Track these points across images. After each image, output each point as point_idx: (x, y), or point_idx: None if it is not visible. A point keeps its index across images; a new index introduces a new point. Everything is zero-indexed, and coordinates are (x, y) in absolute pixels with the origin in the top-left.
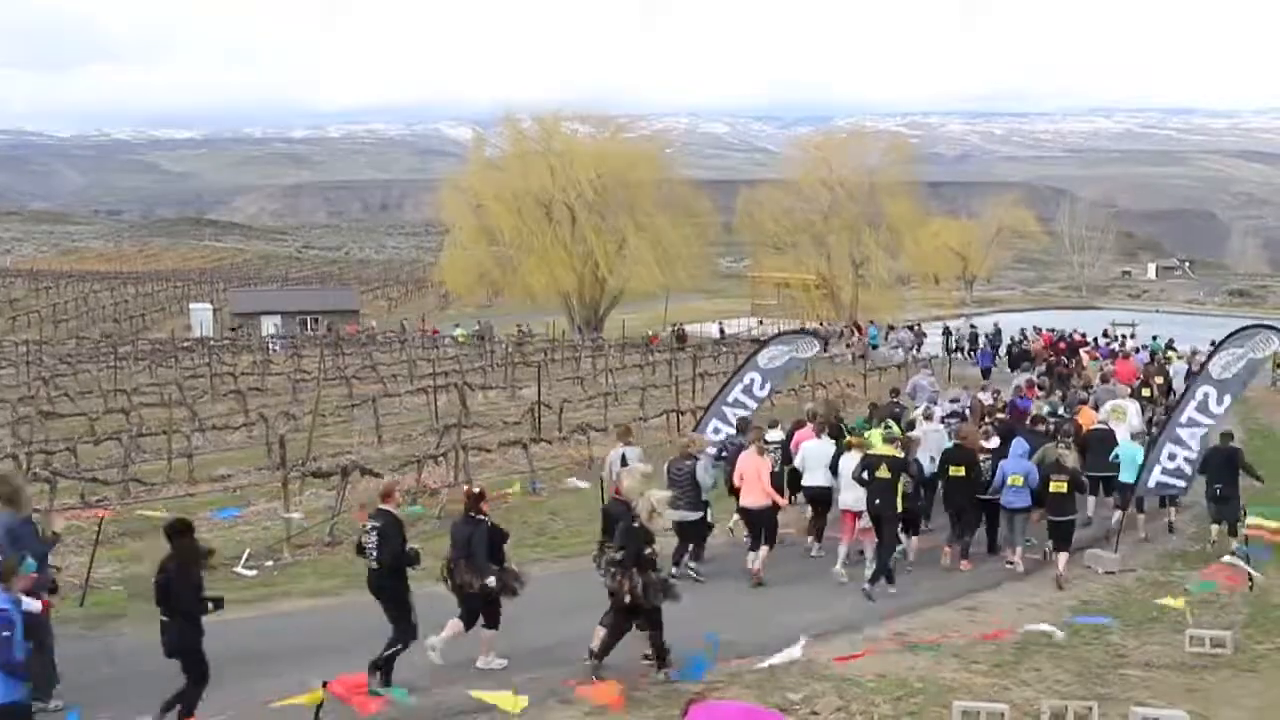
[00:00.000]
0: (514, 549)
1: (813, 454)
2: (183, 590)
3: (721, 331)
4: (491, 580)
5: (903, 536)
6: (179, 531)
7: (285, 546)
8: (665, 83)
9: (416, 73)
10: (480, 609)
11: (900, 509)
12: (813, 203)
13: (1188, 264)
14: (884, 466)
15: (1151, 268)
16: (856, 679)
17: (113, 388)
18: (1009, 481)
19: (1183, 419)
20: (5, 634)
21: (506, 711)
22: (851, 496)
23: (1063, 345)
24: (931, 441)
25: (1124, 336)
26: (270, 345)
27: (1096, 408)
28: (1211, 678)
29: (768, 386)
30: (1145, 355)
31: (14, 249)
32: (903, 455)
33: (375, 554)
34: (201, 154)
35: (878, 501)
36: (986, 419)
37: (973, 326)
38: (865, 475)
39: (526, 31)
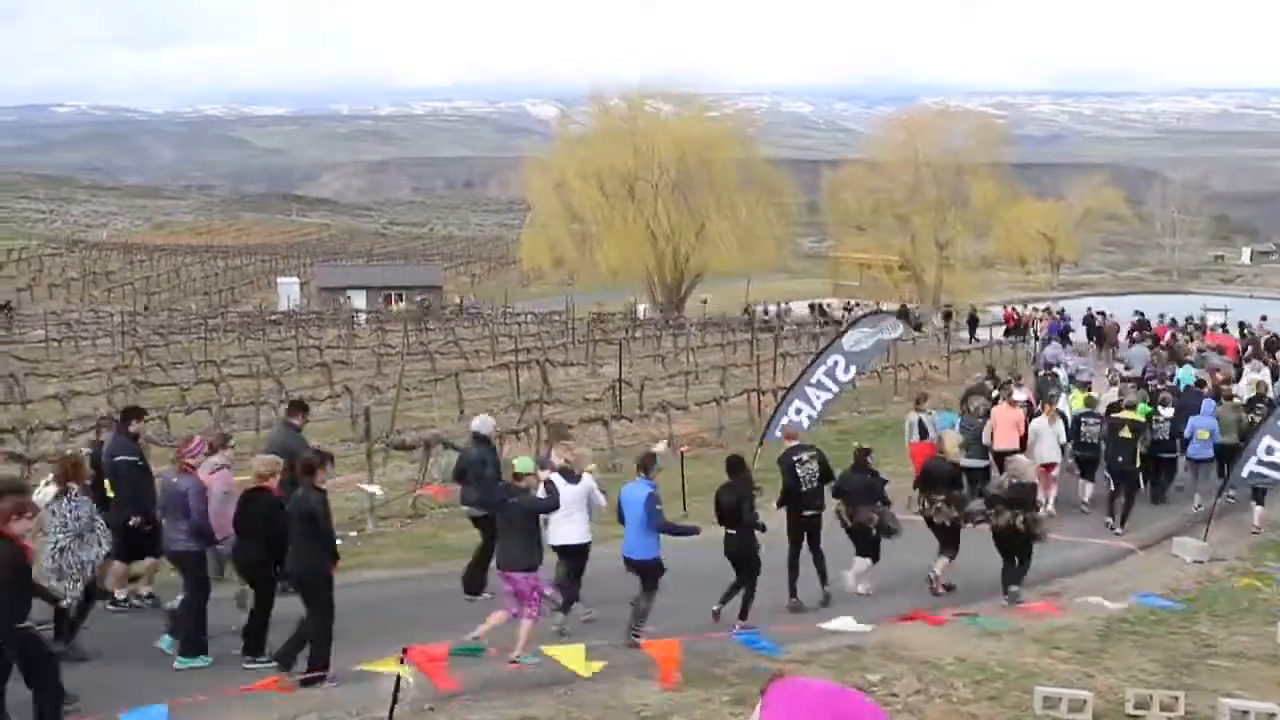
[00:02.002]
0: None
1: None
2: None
3: (819, 309)
4: (875, 517)
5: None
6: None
7: (369, 517)
8: (748, 61)
9: (501, 51)
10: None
11: (1139, 466)
12: (897, 183)
13: None
14: (1127, 428)
15: (1246, 252)
16: (936, 661)
17: (203, 359)
18: (1197, 435)
19: None
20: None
21: (579, 674)
22: (1045, 448)
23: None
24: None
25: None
26: (355, 319)
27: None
28: None
29: (852, 370)
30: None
31: (109, 223)
32: (1143, 420)
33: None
34: (290, 130)
35: (1120, 459)
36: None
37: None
38: (1109, 435)
39: (611, 10)
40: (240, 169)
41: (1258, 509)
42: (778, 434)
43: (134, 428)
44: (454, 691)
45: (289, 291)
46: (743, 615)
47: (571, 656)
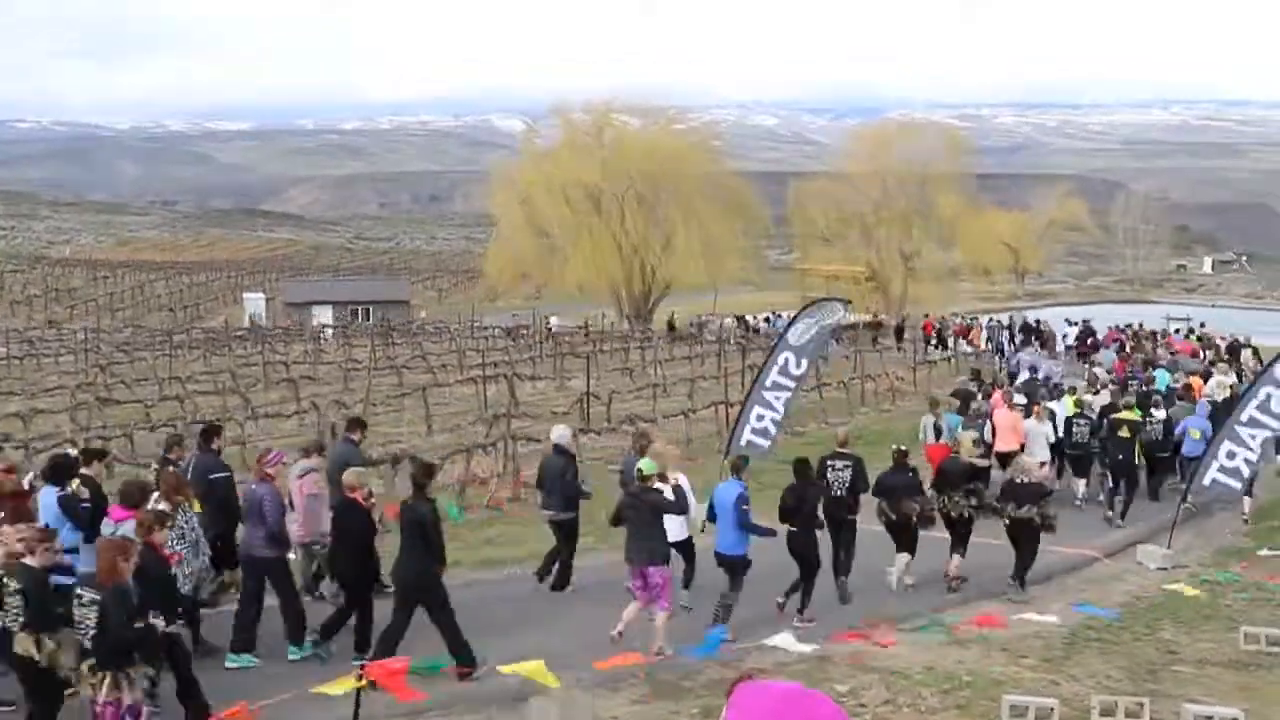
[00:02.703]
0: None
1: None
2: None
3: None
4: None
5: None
6: None
7: None
8: (715, 74)
9: (467, 65)
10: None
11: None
12: (863, 195)
13: (1245, 258)
14: (1125, 428)
15: (1207, 261)
16: (904, 671)
17: (168, 375)
18: (1190, 434)
19: (1243, 418)
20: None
21: (545, 685)
22: (1036, 447)
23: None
24: (1095, 405)
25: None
26: (321, 335)
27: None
28: (1267, 676)
29: (804, 363)
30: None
31: (73, 239)
32: (1140, 419)
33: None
34: (254, 145)
35: (1120, 456)
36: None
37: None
38: (1109, 435)
39: (576, 24)
40: (205, 185)
41: (1247, 499)
42: (741, 443)
43: (215, 444)
44: (419, 707)
45: (255, 307)
46: (802, 609)
47: (534, 670)
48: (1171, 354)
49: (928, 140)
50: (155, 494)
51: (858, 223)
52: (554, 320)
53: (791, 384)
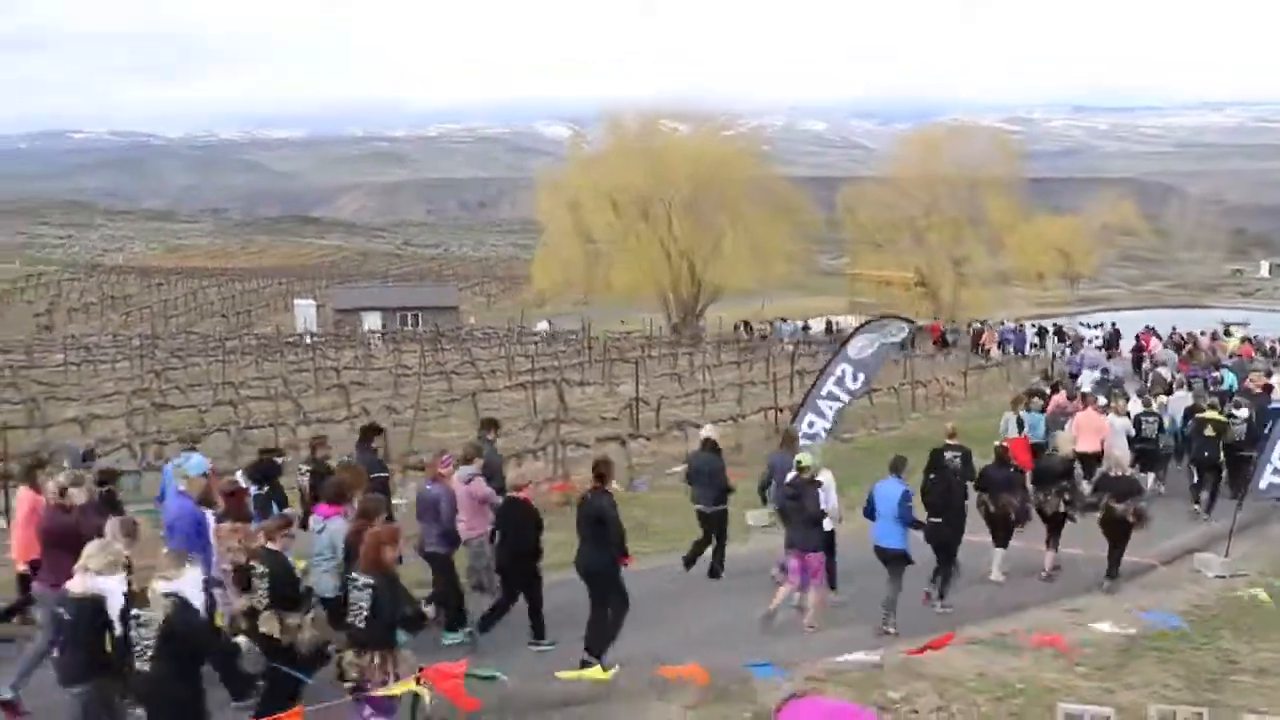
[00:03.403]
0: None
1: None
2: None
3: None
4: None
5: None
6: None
7: None
8: (763, 79)
9: (513, 73)
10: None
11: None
12: (913, 199)
13: None
14: (1210, 426)
15: (1265, 265)
16: (957, 678)
17: (221, 381)
18: None
19: None
20: None
21: (600, 682)
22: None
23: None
24: (1175, 404)
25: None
26: (371, 340)
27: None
28: None
29: (861, 377)
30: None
31: (126, 246)
32: (1226, 419)
33: None
34: (304, 153)
35: (1206, 454)
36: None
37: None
38: (1194, 433)
39: (622, 30)
40: (255, 192)
41: None
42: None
43: (375, 444)
44: (475, 712)
45: (305, 314)
46: (942, 595)
47: (594, 676)
48: (1232, 355)
49: (978, 145)
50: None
51: (907, 228)
52: (542, 325)
53: (846, 397)
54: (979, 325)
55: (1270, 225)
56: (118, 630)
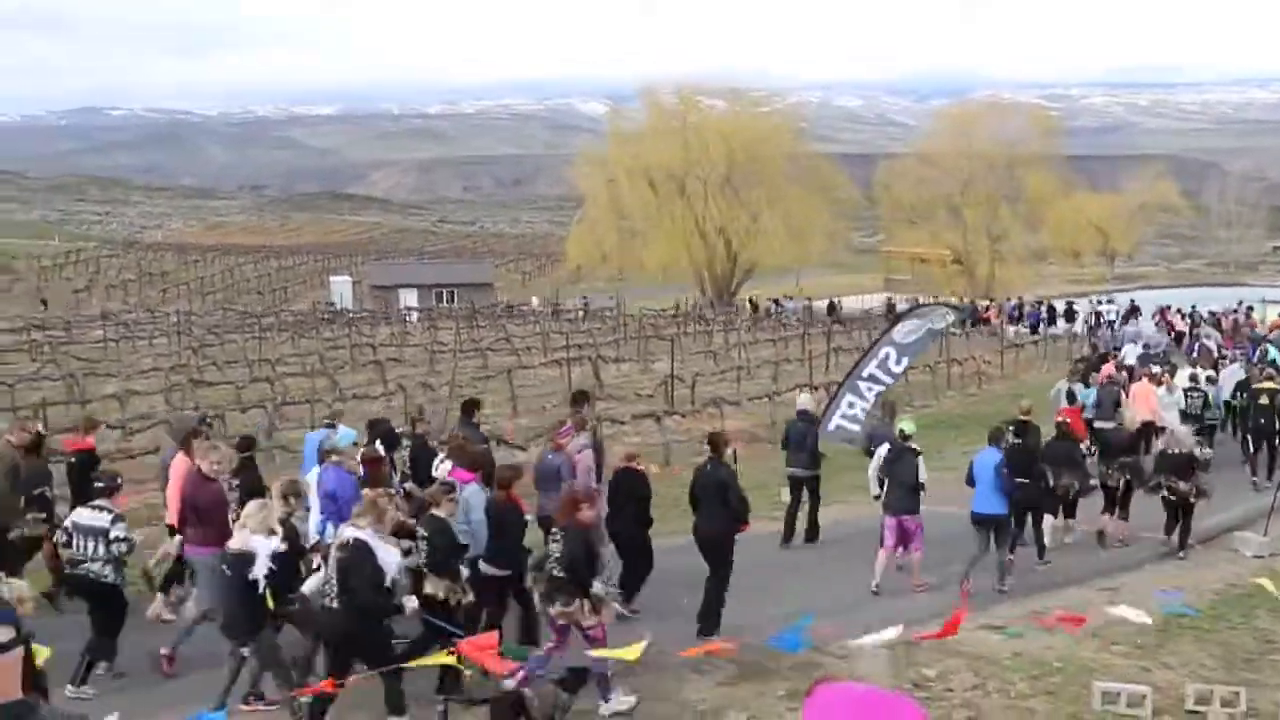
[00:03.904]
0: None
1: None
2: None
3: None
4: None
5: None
6: None
7: None
8: (798, 56)
9: (550, 49)
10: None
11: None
12: (950, 176)
13: None
14: (1265, 396)
15: None
16: (992, 657)
17: (258, 357)
18: None
19: None
20: None
21: (631, 661)
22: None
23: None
24: (1227, 377)
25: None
26: (407, 317)
27: None
28: None
29: (904, 361)
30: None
31: (164, 223)
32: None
33: None
34: (340, 130)
35: (1262, 421)
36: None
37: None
38: (1251, 403)
39: (659, 6)
40: (291, 169)
41: None
42: (831, 428)
43: (475, 417)
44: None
45: (341, 290)
46: (1012, 550)
47: (626, 652)
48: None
49: (1015, 121)
50: (440, 457)
51: (944, 204)
52: (535, 300)
53: (889, 380)
54: (986, 303)
55: None
56: (260, 587)
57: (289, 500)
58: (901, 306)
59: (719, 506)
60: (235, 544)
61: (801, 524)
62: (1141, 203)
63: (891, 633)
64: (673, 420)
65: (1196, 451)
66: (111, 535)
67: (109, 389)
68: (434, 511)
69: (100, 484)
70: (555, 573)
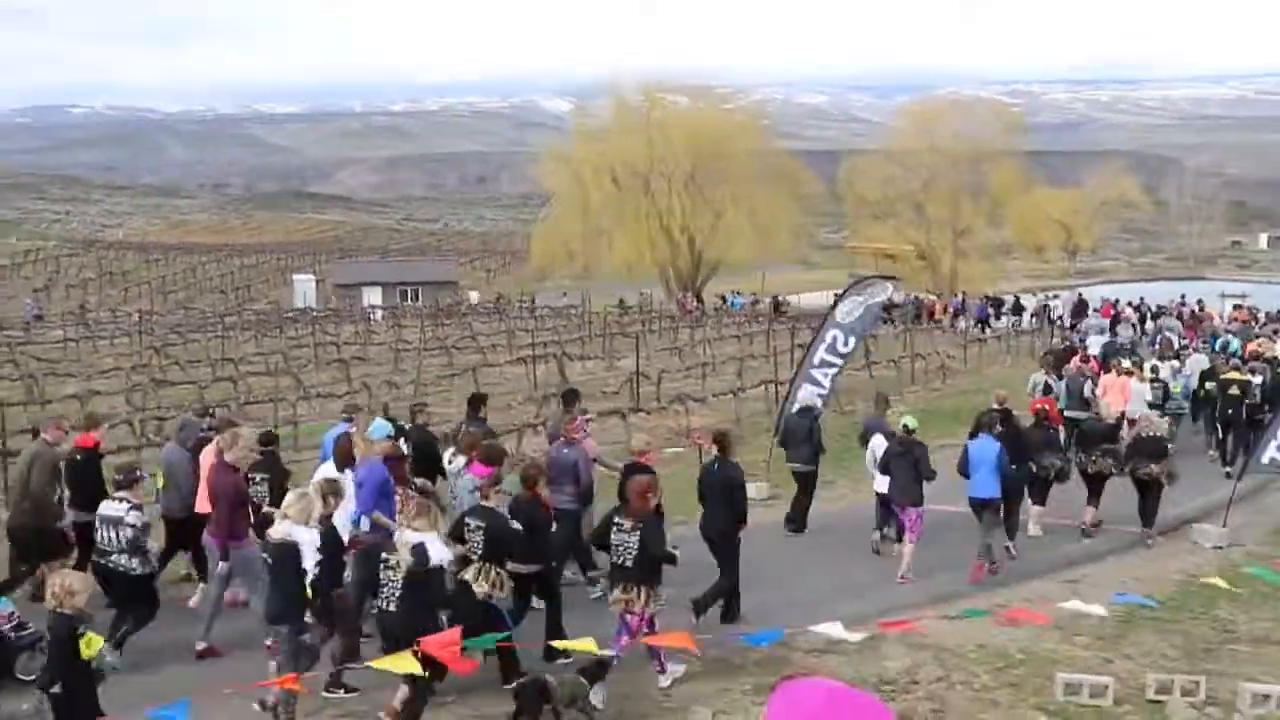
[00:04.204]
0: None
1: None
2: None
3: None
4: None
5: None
6: None
7: None
8: (762, 53)
9: (514, 46)
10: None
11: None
12: (913, 172)
13: None
14: (1235, 386)
15: (1263, 238)
16: (957, 649)
17: (221, 357)
18: None
19: None
20: None
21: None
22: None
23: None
24: (1192, 368)
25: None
26: (371, 315)
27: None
28: None
29: (852, 340)
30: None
31: (125, 222)
32: (1249, 380)
33: None
34: (303, 128)
35: (1230, 411)
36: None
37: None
38: (1220, 393)
39: (624, 4)
40: (254, 167)
41: None
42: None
43: (482, 412)
44: (473, 679)
45: (304, 289)
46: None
47: (585, 646)
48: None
49: (979, 117)
50: (451, 450)
51: (908, 200)
52: (474, 295)
53: (839, 361)
54: (932, 298)
55: (1270, 198)
56: (309, 576)
57: (328, 500)
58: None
59: (725, 505)
60: (277, 534)
61: (819, 507)
62: (1103, 198)
63: (838, 628)
64: (638, 417)
65: (1166, 436)
66: (125, 522)
67: (69, 389)
68: (485, 503)
69: (119, 476)
70: (623, 562)
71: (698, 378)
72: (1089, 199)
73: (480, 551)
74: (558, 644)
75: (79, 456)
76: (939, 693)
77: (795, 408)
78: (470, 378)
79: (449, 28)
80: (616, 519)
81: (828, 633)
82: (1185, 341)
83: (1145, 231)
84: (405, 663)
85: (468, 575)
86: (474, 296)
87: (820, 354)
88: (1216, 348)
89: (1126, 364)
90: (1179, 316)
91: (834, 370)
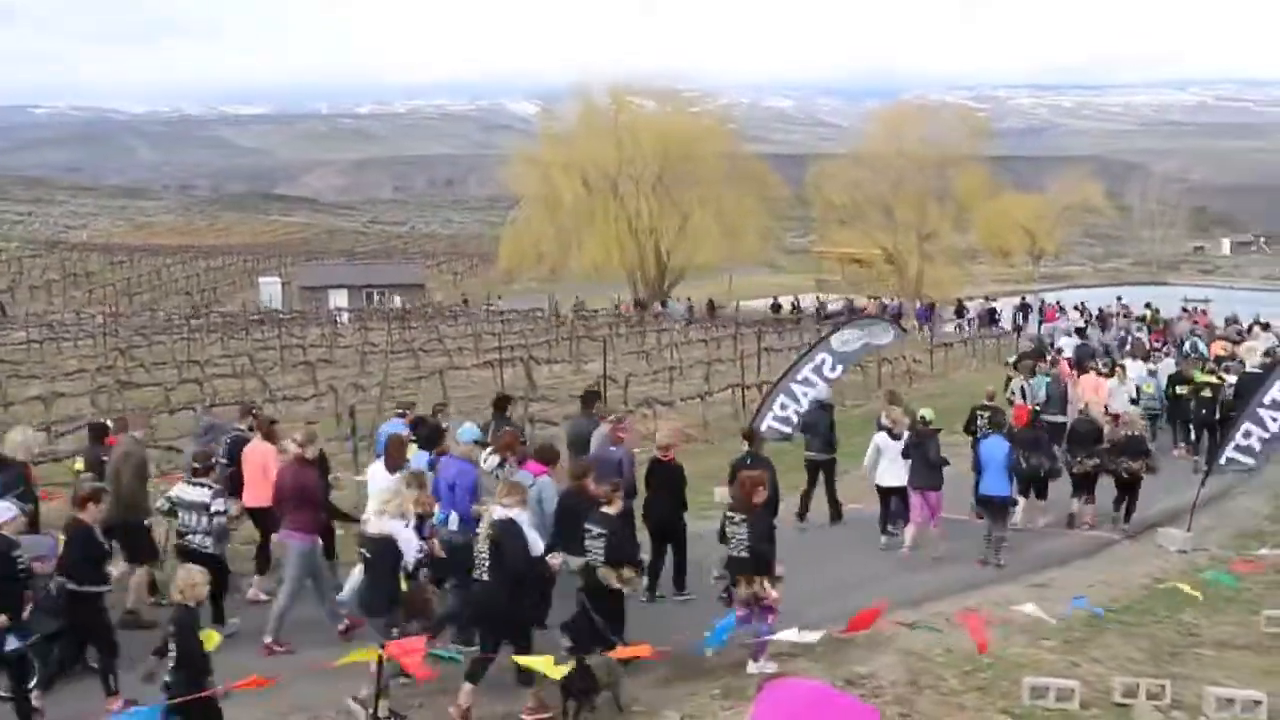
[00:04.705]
0: None
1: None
2: None
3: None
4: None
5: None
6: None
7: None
8: (730, 57)
9: (482, 49)
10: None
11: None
12: (881, 177)
13: (1263, 239)
14: (1208, 389)
15: (1225, 243)
16: (924, 653)
17: (186, 359)
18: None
19: (1266, 400)
20: None
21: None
22: (1118, 403)
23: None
24: (1162, 370)
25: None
26: (337, 318)
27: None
28: None
29: (839, 369)
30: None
31: (89, 223)
32: (1219, 383)
33: None
34: (270, 130)
35: (1204, 412)
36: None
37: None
38: (1193, 395)
39: (588, 6)
40: (221, 169)
41: None
42: (762, 428)
43: (508, 413)
44: (436, 685)
45: (271, 291)
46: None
47: (542, 664)
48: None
49: (945, 122)
50: (489, 449)
51: (876, 205)
52: (397, 299)
53: (823, 384)
54: (864, 303)
55: (1231, 204)
56: (409, 566)
57: (419, 488)
58: (833, 305)
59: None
60: (374, 529)
61: (820, 504)
62: (1066, 203)
63: (813, 635)
64: (606, 423)
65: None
66: (211, 509)
67: (33, 391)
68: (605, 509)
69: (197, 464)
70: (739, 553)
71: (665, 381)
72: (1053, 204)
73: (604, 556)
74: (520, 660)
75: (105, 457)
76: (907, 696)
77: (805, 405)
78: (437, 380)
79: (416, 30)
80: (728, 512)
81: (792, 636)
82: (1154, 345)
83: (1109, 236)
84: (546, 665)
85: (606, 579)
86: (398, 300)
87: (805, 372)
88: (1186, 350)
89: (1100, 365)
90: (1146, 320)
91: (814, 390)
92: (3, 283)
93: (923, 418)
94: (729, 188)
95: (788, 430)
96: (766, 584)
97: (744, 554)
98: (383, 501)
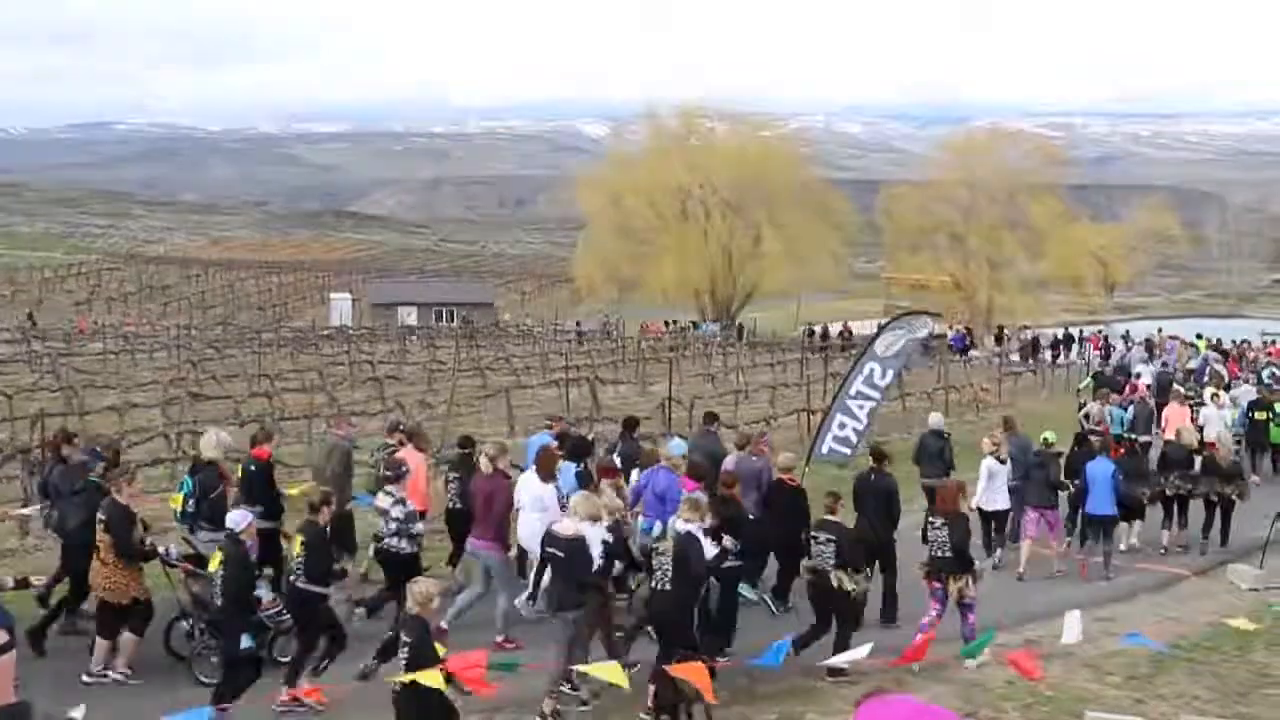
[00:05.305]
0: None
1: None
2: None
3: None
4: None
5: None
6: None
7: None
8: (799, 81)
9: (554, 71)
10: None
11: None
12: (952, 204)
13: None
14: (1260, 410)
15: None
16: (984, 684)
17: (257, 373)
18: None
19: None
20: None
21: (617, 685)
22: (1214, 430)
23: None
24: (1240, 398)
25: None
26: (406, 335)
27: None
28: None
29: (890, 374)
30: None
31: (166, 238)
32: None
33: None
34: (344, 148)
35: (1258, 437)
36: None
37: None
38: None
39: (663, 29)
40: (295, 186)
41: None
42: (824, 451)
43: (636, 434)
44: (493, 703)
45: (341, 307)
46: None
47: (610, 672)
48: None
49: (1018, 149)
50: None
51: (946, 232)
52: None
53: (877, 395)
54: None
55: None
56: (596, 565)
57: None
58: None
59: (883, 514)
60: (567, 530)
61: None
62: (1141, 233)
63: (863, 650)
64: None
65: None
66: (391, 515)
67: (108, 401)
68: (828, 517)
69: (389, 472)
70: (943, 554)
71: (730, 404)
72: (1127, 234)
73: (833, 561)
74: (586, 668)
75: (253, 467)
76: None
77: (865, 421)
78: (503, 399)
79: (489, 52)
80: (930, 517)
81: (853, 661)
82: (1231, 376)
83: (1184, 267)
84: (613, 673)
85: (841, 581)
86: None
87: (857, 385)
88: (1264, 379)
89: (1185, 394)
90: (1224, 352)
91: (870, 404)
92: (81, 294)
93: (1045, 440)
94: (799, 212)
95: (848, 451)
96: (970, 580)
97: (948, 554)
98: (574, 504)
